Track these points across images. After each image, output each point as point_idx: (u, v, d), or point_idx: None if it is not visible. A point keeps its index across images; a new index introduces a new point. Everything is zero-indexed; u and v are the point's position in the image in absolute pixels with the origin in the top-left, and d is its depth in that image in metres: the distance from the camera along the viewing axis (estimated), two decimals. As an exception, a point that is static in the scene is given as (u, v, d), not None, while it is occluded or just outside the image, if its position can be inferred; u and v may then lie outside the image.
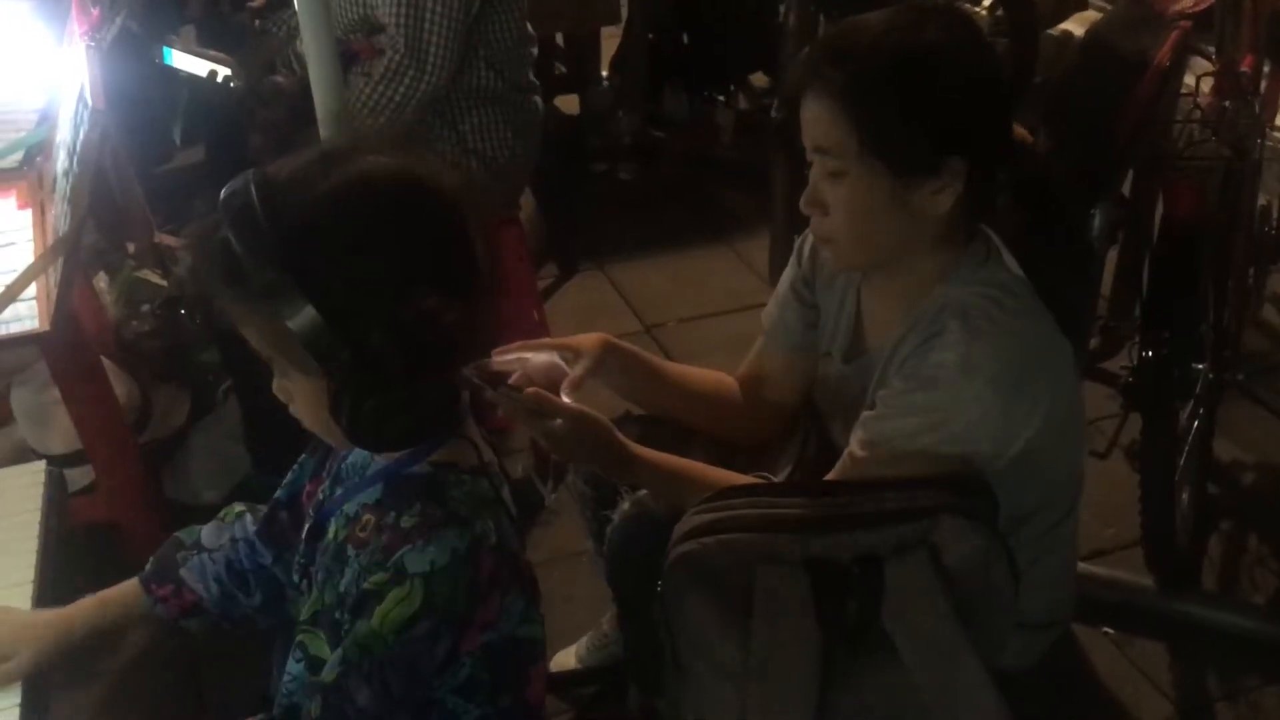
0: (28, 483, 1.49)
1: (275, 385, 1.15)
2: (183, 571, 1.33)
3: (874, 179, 1.32)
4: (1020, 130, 1.53)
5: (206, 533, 1.36)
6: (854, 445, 1.39)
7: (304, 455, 1.33)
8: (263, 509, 1.36)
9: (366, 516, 1.14)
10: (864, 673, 1.26)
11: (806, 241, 1.58)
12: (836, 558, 1.26)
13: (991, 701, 1.26)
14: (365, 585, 1.09)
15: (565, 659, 1.97)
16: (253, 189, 1.05)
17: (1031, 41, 3.20)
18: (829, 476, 1.41)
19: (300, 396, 1.13)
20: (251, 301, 1.06)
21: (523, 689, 1.22)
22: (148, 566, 1.36)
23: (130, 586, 1.34)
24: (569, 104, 3.68)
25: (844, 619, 1.25)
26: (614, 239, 3.34)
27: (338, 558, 1.16)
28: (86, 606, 1.33)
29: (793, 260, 1.62)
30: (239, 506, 1.37)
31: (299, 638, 1.17)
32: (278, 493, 1.35)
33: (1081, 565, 1.78)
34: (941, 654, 1.24)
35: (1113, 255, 2.26)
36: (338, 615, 1.12)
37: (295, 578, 1.27)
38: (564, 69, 3.76)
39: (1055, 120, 2.01)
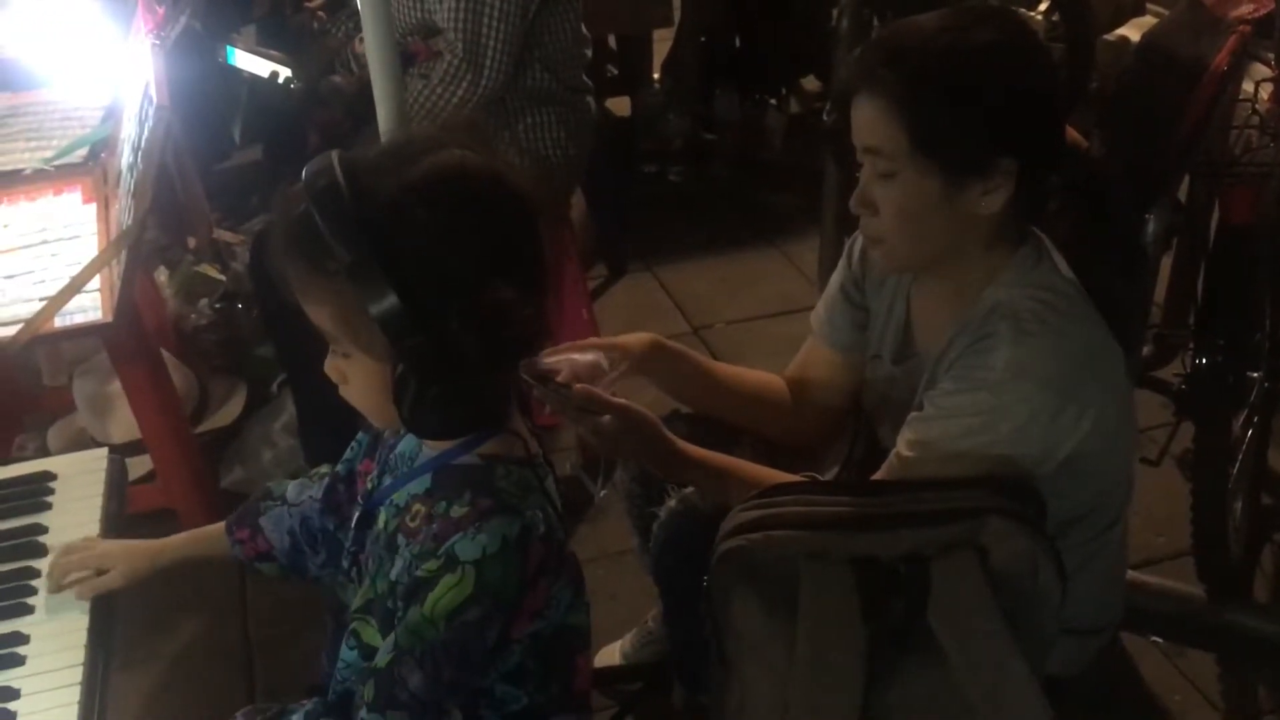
0: (90, 469, 1.53)
1: (328, 364, 1.16)
2: (263, 519, 1.38)
3: (924, 179, 1.33)
4: (1073, 134, 1.53)
5: (293, 488, 1.40)
6: (901, 446, 1.39)
7: (360, 433, 1.35)
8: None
9: (417, 506, 1.16)
10: (910, 672, 1.26)
11: (856, 243, 1.59)
12: (883, 556, 1.26)
13: (1038, 705, 1.25)
14: (417, 573, 1.11)
15: (610, 655, 1.99)
16: (338, 169, 1.06)
17: (1087, 46, 3.17)
18: (875, 476, 1.41)
19: (359, 378, 1.14)
20: (328, 280, 1.07)
21: (570, 677, 1.24)
22: (236, 511, 1.42)
23: (217, 528, 1.40)
24: (620, 106, 3.69)
25: (890, 618, 1.25)
26: (663, 240, 3.36)
27: (389, 547, 1.18)
28: (177, 540, 1.42)
29: (842, 262, 1.62)
30: (325, 468, 1.40)
31: (352, 625, 1.19)
32: (337, 467, 1.38)
33: (1131, 574, 1.76)
34: (987, 655, 1.23)
35: (1167, 262, 2.24)
36: (390, 604, 1.14)
37: (345, 564, 1.29)
38: (616, 71, 3.78)
39: (1110, 124, 1.99)
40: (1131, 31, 3.18)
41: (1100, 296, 1.42)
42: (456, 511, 1.11)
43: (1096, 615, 1.55)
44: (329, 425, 1.97)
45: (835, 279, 1.63)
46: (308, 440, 2.34)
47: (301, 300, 1.12)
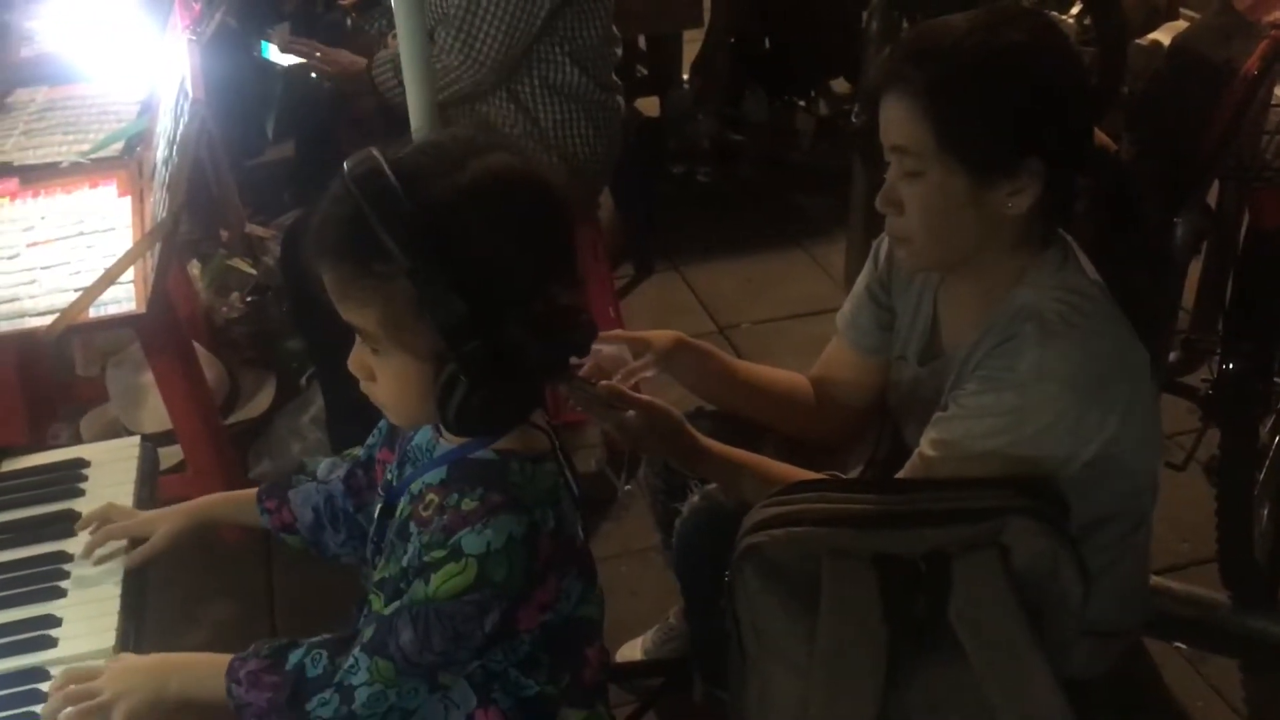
0: (123, 456, 1.55)
1: (353, 360, 1.16)
2: (291, 492, 1.40)
3: (951, 178, 1.33)
4: (1102, 137, 1.53)
5: (324, 465, 1.42)
6: (925, 445, 1.39)
7: (381, 422, 1.36)
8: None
9: (430, 496, 1.17)
10: (931, 670, 1.26)
11: (883, 243, 1.59)
12: (904, 554, 1.27)
13: (1058, 705, 1.25)
14: (425, 558, 1.13)
15: (631, 651, 2.00)
16: (388, 168, 1.06)
17: (1119, 50, 3.16)
18: (899, 475, 1.42)
19: (391, 376, 1.14)
20: (377, 282, 1.07)
21: (580, 669, 1.25)
22: (269, 480, 1.45)
23: (250, 493, 1.43)
24: (649, 106, 3.71)
25: (912, 615, 1.26)
26: (690, 240, 3.37)
27: (401, 534, 1.20)
28: (213, 501, 1.45)
29: (869, 262, 1.63)
30: (357, 450, 1.41)
31: (368, 596, 1.23)
32: (359, 451, 1.39)
33: (1156, 579, 1.76)
34: (1008, 654, 1.24)
35: (1196, 266, 2.23)
36: (401, 585, 1.16)
37: (369, 553, 1.31)
38: (645, 71, 3.79)
39: (1140, 128, 1.99)
40: (1164, 36, 3.15)
41: (1127, 300, 1.42)
42: (467, 505, 1.12)
43: (1119, 618, 1.54)
44: (357, 418, 1.97)
45: (861, 279, 1.64)
46: (335, 433, 2.36)
47: (339, 301, 1.12)
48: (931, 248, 1.40)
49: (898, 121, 1.35)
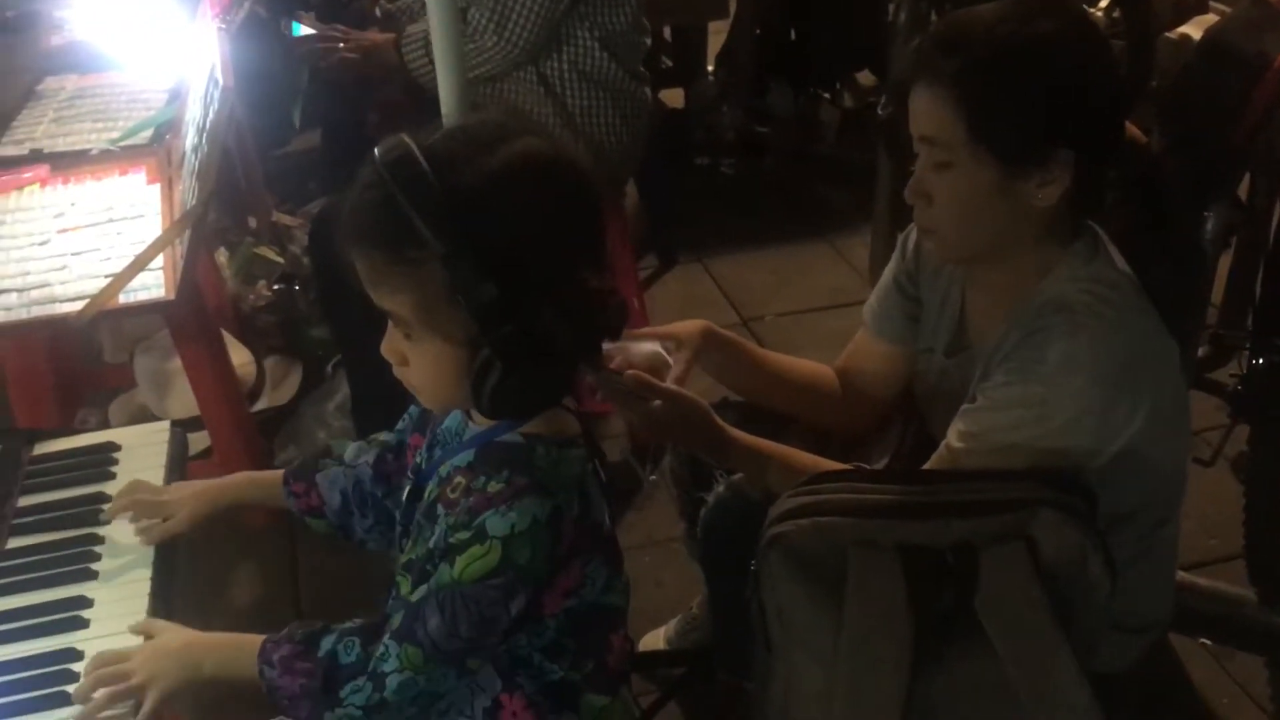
0: (153, 441, 1.57)
1: (386, 345, 1.16)
2: (318, 476, 1.39)
3: (980, 169, 1.33)
4: (1133, 129, 1.52)
5: (351, 449, 1.42)
6: (952, 437, 1.39)
7: (412, 407, 1.37)
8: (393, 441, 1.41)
9: (458, 479, 1.18)
10: (956, 661, 1.26)
11: (911, 235, 1.59)
12: (931, 544, 1.27)
13: (1084, 699, 1.25)
14: (450, 540, 1.13)
15: (654, 640, 2.00)
16: (419, 154, 1.07)
17: (1147, 43, 3.13)
18: (925, 466, 1.41)
19: (424, 362, 1.14)
20: (410, 268, 1.07)
21: (605, 655, 1.25)
22: (295, 463, 1.44)
23: (275, 475, 1.43)
24: (674, 98, 3.70)
25: (938, 606, 1.26)
26: (714, 232, 3.36)
27: (429, 516, 1.20)
28: (238, 481, 1.45)
29: (896, 253, 1.62)
30: (384, 435, 1.41)
31: (396, 579, 1.23)
32: (389, 437, 1.40)
33: (1182, 575, 1.75)
34: (1035, 646, 1.24)
35: (1225, 260, 2.21)
36: (428, 568, 1.16)
37: (398, 536, 1.31)
38: (670, 62, 3.78)
39: (1170, 120, 1.97)
40: (1193, 29, 3.13)
41: (1156, 294, 1.41)
42: (493, 488, 1.13)
43: (1145, 613, 1.54)
44: (382, 407, 1.99)
45: (889, 271, 1.63)
46: (361, 421, 2.37)
47: (372, 288, 1.12)
48: (960, 238, 1.40)
49: (927, 112, 1.34)
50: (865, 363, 1.67)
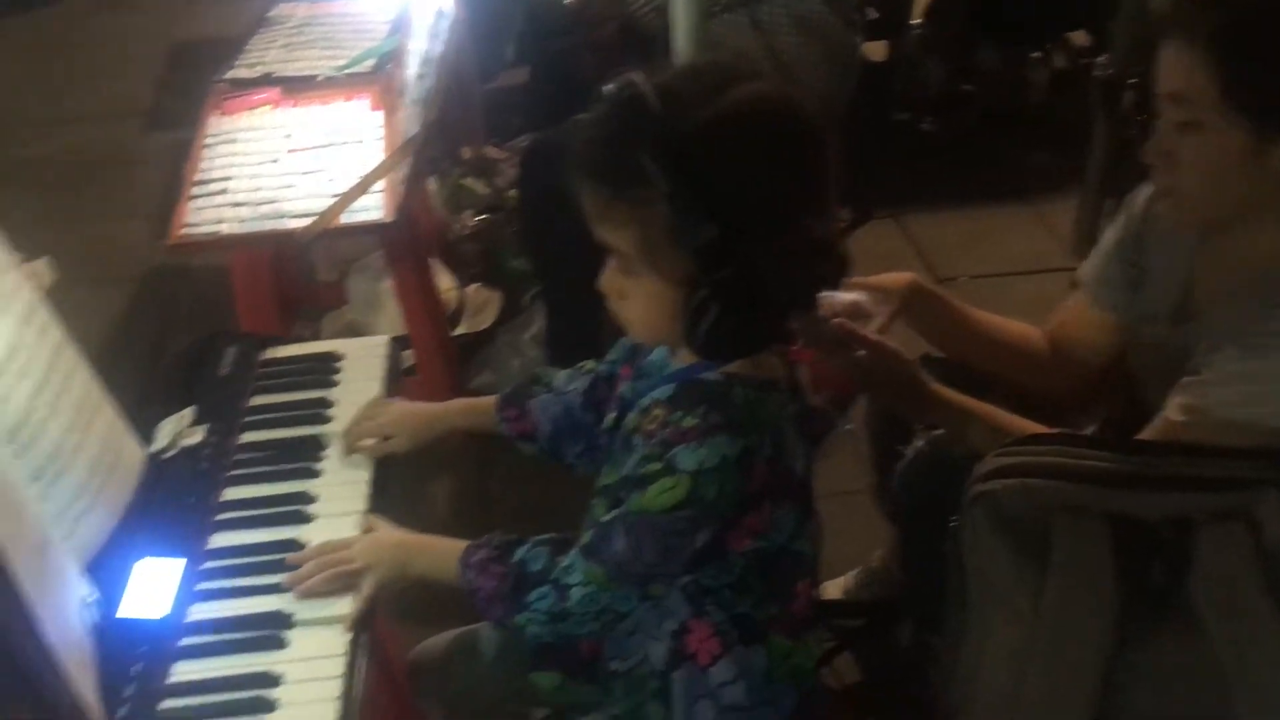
0: (372, 354, 1.64)
1: (606, 279, 1.19)
2: (531, 402, 1.44)
3: (1231, 133, 1.27)
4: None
5: (562, 376, 1.45)
6: (1172, 410, 1.34)
7: (624, 339, 1.38)
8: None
9: (656, 411, 1.20)
10: (1163, 639, 1.23)
11: (1139, 196, 1.53)
12: (1145, 517, 1.23)
13: (1297, 689, 1.21)
14: (641, 470, 1.16)
15: (831, 590, 2.00)
16: (650, 92, 1.08)
17: None
18: (1141, 437, 1.37)
19: (641, 297, 1.17)
20: (634, 206, 1.10)
21: (789, 601, 1.26)
22: (508, 389, 1.49)
23: (488, 402, 1.48)
24: (875, 50, 3.62)
25: (1147, 581, 1.23)
26: (911, 189, 3.28)
27: (626, 444, 1.23)
28: (455, 406, 1.53)
29: (1121, 216, 1.56)
30: (591, 363, 1.45)
31: (591, 503, 1.27)
32: (601, 366, 1.42)
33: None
34: (1250, 633, 1.20)
35: None
36: (620, 494, 1.20)
37: (602, 463, 1.35)
38: (876, 13, 3.70)
39: None
40: None
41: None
42: (687, 423, 1.14)
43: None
44: (576, 339, 2.05)
45: (1111, 235, 1.58)
46: (554, 352, 2.42)
47: (596, 222, 1.15)
48: (1200, 203, 1.34)
49: (1177, 67, 1.29)
50: (1078, 330, 1.62)
